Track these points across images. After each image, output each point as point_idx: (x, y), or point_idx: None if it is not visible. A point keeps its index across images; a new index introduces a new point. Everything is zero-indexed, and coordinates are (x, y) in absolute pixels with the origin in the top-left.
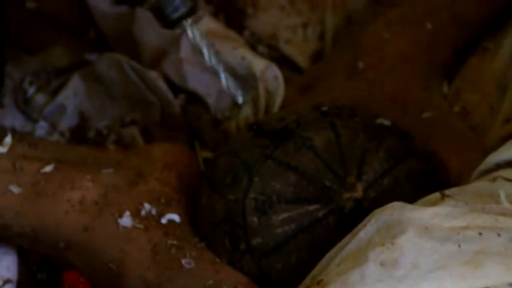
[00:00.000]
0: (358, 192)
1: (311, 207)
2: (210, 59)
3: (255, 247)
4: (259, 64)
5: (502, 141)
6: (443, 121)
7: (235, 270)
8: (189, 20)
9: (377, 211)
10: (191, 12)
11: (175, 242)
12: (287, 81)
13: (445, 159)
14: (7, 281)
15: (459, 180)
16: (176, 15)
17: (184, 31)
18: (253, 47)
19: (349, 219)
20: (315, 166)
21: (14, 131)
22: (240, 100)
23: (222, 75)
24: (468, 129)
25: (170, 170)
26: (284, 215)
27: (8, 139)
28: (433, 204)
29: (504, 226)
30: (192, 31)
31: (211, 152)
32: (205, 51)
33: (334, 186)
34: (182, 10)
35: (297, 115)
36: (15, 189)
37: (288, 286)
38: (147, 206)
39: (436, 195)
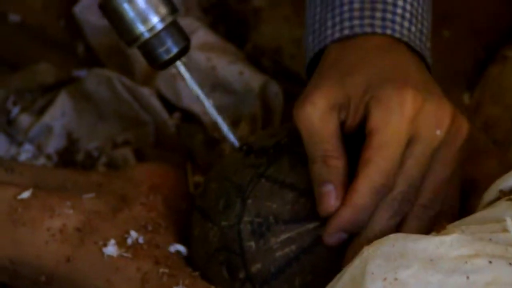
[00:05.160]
0: None
1: (312, 225)
2: (204, 101)
3: (255, 274)
4: (257, 80)
5: None
6: None
7: None
8: (183, 60)
9: (376, 242)
10: (184, 52)
11: (166, 270)
12: (293, 96)
13: None
14: None
15: (473, 186)
16: (167, 57)
17: (177, 71)
18: (256, 61)
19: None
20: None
21: None
22: (236, 143)
23: (218, 118)
24: (489, 141)
25: (156, 193)
26: (283, 236)
27: None
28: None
29: None
30: (185, 73)
31: (203, 175)
32: (199, 94)
33: None
34: (174, 51)
35: (288, 130)
36: None
37: None
38: (133, 234)
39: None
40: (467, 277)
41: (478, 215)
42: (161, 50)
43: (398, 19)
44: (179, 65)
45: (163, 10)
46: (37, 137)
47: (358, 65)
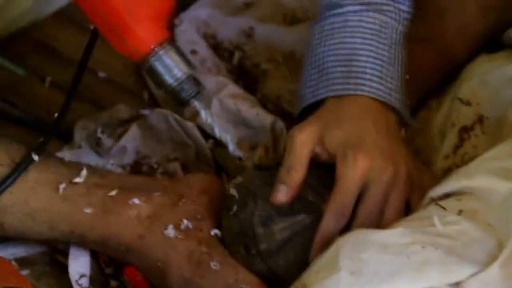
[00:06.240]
0: None
1: (300, 217)
2: (207, 119)
3: (263, 251)
4: (268, 119)
5: (443, 172)
6: None
7: (250, 272)
8: (198, 99)
9: (345, 234)
10: (198, 93)
11: (206, 249)
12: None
13: None
14: (82, 275)
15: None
16: (186, 96)
17: (196, 108)
18: (264, 105)
19: None
20: (302, 187)
21: (89, 166)
22: (231, 149)
23: (217, 130)
24: (420, 162)
25: (203, 195)
26: (281, 225)
27: (84, 172)
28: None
29: (439, 243)
30: (200, 109)
31: None
32: (204, 117)
33: (315, 200)
34: (191, 93)
35: None
36: (88, 209)
37: (289, 276)
38: (185, 221)
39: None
40: (408, 257)
41: (415, 215)
42: (183, 94)
43: (367, 82)
44: (196, 103)
45: (183, 67)
46: (117, 155)
47: (336, 123)
